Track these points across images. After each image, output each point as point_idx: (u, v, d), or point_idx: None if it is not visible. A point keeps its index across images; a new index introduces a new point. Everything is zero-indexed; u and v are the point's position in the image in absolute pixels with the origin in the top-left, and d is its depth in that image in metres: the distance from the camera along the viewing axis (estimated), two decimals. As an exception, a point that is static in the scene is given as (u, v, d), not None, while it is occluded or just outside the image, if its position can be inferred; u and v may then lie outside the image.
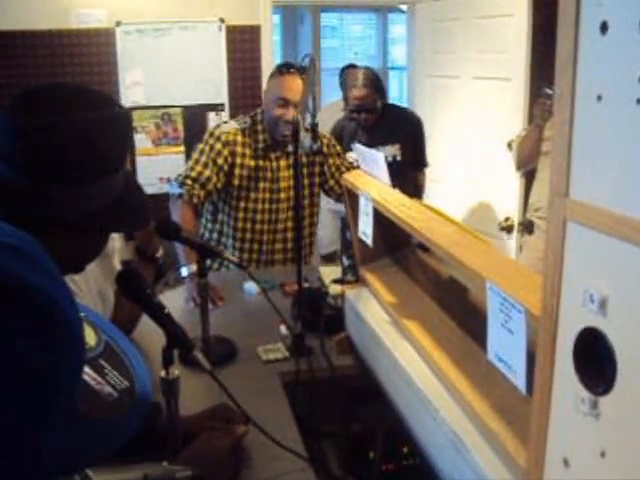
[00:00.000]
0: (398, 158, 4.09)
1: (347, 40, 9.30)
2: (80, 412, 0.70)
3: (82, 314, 0.75)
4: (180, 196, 2.95)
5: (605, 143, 0.82)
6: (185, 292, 2.73)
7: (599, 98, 0.82)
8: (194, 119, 5.02)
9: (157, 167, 5.06)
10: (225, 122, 3.26)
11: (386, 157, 4.01)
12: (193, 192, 2.94)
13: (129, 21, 4.83)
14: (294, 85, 2.93)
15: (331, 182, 3.24)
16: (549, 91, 3.72)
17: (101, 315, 0.96)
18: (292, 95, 2.92)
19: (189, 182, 2.95)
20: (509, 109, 4.30)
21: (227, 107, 5.10)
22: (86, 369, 0.75)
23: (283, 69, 3.01)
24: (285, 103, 2.95)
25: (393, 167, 3.97)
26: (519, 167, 4.00)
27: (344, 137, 4.19)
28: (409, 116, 4.27)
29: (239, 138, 3.05)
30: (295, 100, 2.90)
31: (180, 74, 5.00)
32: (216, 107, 5.11)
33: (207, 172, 2.96)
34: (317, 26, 8.25)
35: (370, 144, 4.06)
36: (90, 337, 0.79)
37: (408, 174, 4.12)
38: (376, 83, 4.08)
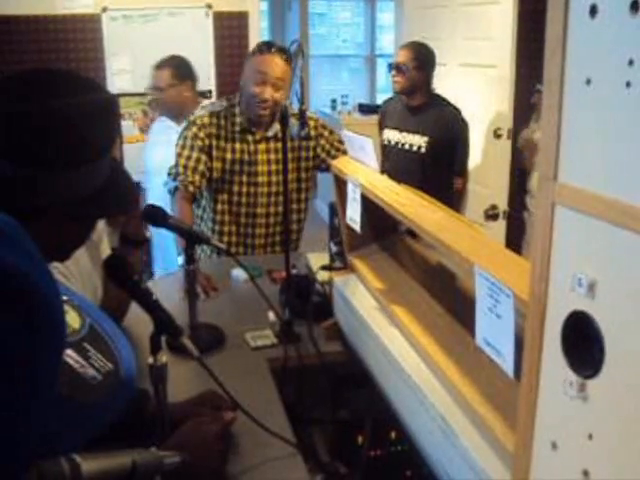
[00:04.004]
0: (422, 150, 4.07)
1: (335, 27, 9.27)
2: (63, 395, 0.70)
3: (66, 297, 0.74)
4: (176, 189, 2.95)
5: (594, 126, 0.82)
6: (179, 281, 2.71)
7: (588, 81, 0.82)
8: (181, 106, 4.99)
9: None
10: (203, 106, 3.25)
11: (410, 145, 4.08)
12: (187, 180, 2.94)
13: (115, 7, 4.80)
14: (274, 64, 2.89)
15: (329, 160, 3.20)
16: (541, 88, 3.69)
17: (86, 298, 0.95)
18: (271, 73, 2.88)
19: (181, 170, 2.95)
20: (495, 96, 4.30)
21: (214, 94, 5.08)
22: (70, 352, 0.74)
23: (263, 47, 2.95)
24: (263, 81, 2.89)
25: (412, 157, 4.02)
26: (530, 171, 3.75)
27: (386, 115, 4.35)
28: (453, 116, 4.12)
29: (214, 120, 3.03)
30: (274, 77, 2.87)
31: (167, 61, 4.96)
32: (203, 94, 5.07)
33: (195, 154, 2.96)
34: (305, 13, 8.22)
35: (401, 128, 4.16)
36: (74, 320, 0.79)
37: (441, 175, 4.12)
38: (420, 53, 4.07)
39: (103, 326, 0.82)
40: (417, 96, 4.10)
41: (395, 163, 4.05)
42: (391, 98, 4.47)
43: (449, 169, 4.15)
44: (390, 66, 4.16)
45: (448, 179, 4.15)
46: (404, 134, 4.13)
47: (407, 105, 4.16)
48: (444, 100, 4.16)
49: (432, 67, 4.10)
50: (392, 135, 4.20)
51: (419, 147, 4.06)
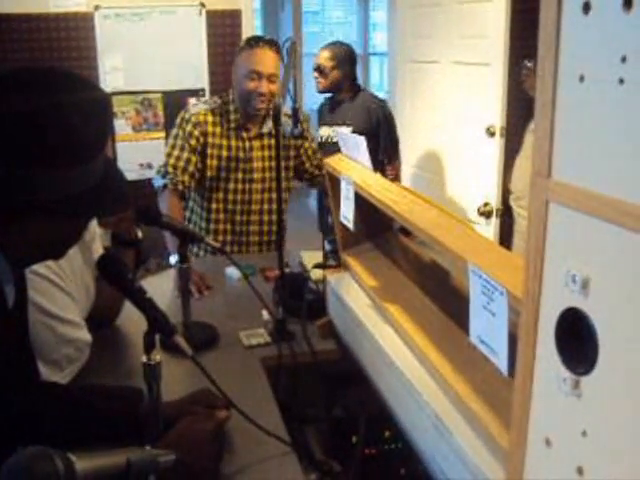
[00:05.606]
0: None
1: (328, 25, 9.27)
2: None
3: None
4: (165, 187, 2.94)
5: (588, 123, 0.82)
6: (172, 279, 2.71)
7: (581, 78, 0.82)
8: (174, 104, 4.97)
9: (137, 153, 5.03)
10: (195, 104, 3.24)
11: (333, 137, 4.23)
12: (177, 179, 2.93)
13: (108, 5, 4.79)
14: (265, 57, 2.89)
15: (307, 164, 3.23)
16: (529, 63, 3.76)
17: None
18: (264, 67, 2.89)
19: (170, 170, 2.94)
20: (489, 94, 4.30)
21: (207, 92, 5.07)
22: None
23: (252, 42, 2.96)
24: (258, 76, 2.90)
25: (332, 147, 4.08)
26: None
27: (321, 114, 4.61)
28: (375, 106, 4.35)
29: (209, 118, 3.01)
30: (268, 72, 2.88)
31: (160, 59, 4.96)
32: (197, 92, 5.08)
33: (185, 154, 2.95)
34: (298, 11, 8.21)
35: (330, 123, 4.41)
36: None
37: (373, 164, 4.20)
38: (337, 53, 4.35)
39: None
40: (342, 92, 4.40)
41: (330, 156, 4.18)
42: (327, 98, 4.69)
43: (377, 158, 4.31)
44: (314, 67, 4.43)
45: (381, 169, 4.29)
46: (334, 127, 4.36)
47: (335, 101, 4.46)
48: (369, 93, 4.49)
49: (352, 64, 4.40)
50: (324, 131, 4.45)
51: None
